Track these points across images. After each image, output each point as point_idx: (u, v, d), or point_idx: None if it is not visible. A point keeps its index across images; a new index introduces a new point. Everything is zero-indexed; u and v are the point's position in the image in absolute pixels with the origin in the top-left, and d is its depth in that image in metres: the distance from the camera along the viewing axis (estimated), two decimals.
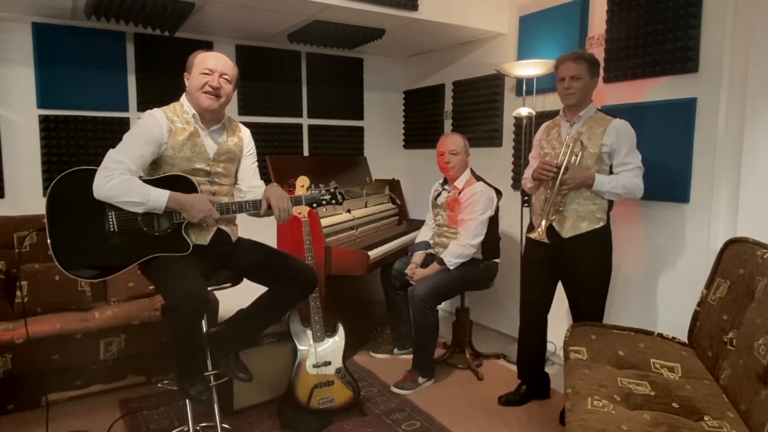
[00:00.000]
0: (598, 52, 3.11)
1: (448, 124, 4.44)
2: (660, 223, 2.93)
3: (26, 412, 2.75)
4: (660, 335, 2.36)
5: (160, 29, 3.53)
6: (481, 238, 3.14)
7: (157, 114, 2.18)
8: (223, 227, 2.29)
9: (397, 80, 4.91)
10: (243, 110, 4.10)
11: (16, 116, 3.34)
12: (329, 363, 2.70)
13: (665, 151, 2.81)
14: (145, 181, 2.11)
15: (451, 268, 3.10)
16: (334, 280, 3.31)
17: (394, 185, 4.52)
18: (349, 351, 2.95)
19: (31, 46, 3.35)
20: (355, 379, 2.79)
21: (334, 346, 2.73)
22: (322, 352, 2.70)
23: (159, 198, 2.05)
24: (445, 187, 3.33)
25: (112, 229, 2.08)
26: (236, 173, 2.40)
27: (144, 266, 2.18)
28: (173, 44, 3.73)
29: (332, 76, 4.52)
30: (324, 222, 3.37)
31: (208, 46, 3.84)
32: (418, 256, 3.33)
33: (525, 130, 3.48)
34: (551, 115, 2.90)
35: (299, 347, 2.68)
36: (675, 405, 1.79)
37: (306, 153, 4.45)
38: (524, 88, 3.50)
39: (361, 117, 4.75)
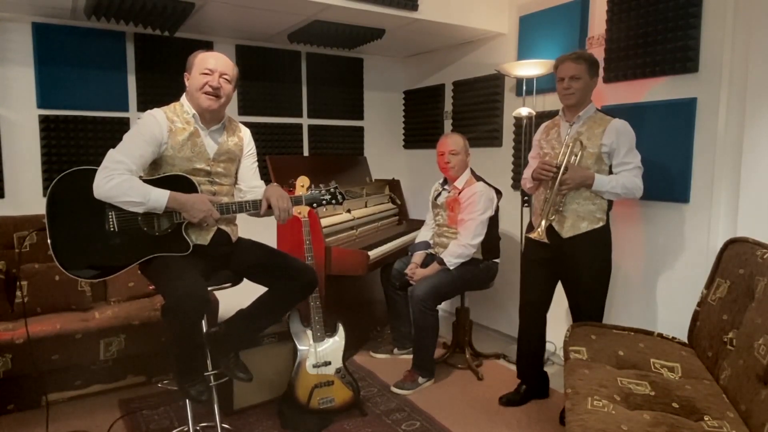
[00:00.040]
0: (598, 52, 3.12)
1: (448, 124, 4.44)
2: (660, 223, 2.93)
3: (26, 412, 2.75)
4: (660, 335, 2.36)
5: (160, 29, 3.53)
6: (481, 238, 3.15)
7: (157, 114, 2.18)
8: (223, 227, 2.29)
9: (397, 80, 4.91)
10: (243, 110, 4.10)
11: (16, 116, 3.34)
12: (329, 363, 2.70)
13: (665, 151, 2.81)
14: (145, 181, 2.11)
15: (451, 268, 3.10)
16: (334, 280, 3.31)
17: (394, 185, 4.52)
18: (349, 351, 2.95)
19: (31, 46, 3.35)
20: (355, 379, 2.79)
21: (334, 346, 2.73)
22: (322, 352, 2.70)
23: (159, 198, 2.05)
24: (445, 187, 3.33)
25: (112, 229, 2.08)
26: (236, 173, 2.40)
27: (144, 266, 2.18)
28: (173, 44, 3.73)
29: (332, 76, 4.52)
30: (324, 222, 3.37)
31: (208, 46, 3.84)
32: (418, 256, 3.33)
33: (525, 130, 3.48)
34: (551, 115, 2.90)
35: (299, 347, 2.68)
36: (675, 405, 1.79)
37: (306, 153, 4.45)
38: (524, 88, 3.50)
39: (361, 117, 4.75)
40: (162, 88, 3.70)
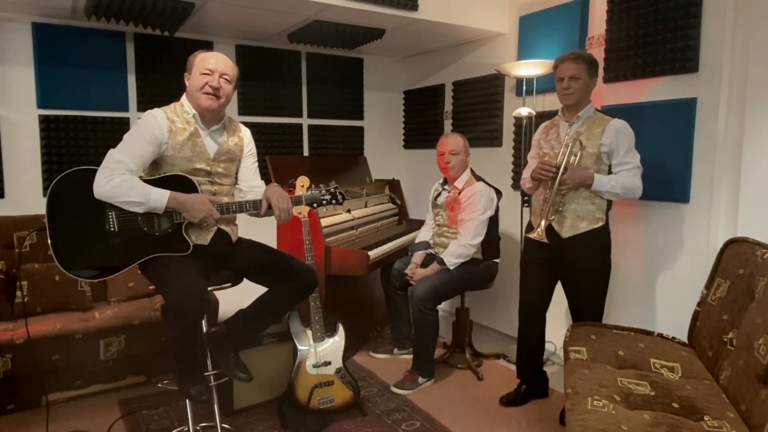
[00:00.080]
0: (598, 52, 3.12)
1: (448, 124, 4.44)
2: (660, 223, 2.93)
3: (26, 412, 2.75)
4: (660, 335, 2.36)
5: (160, 29, 3.53)
6: (481, 238, 3.15)
7: (157, 114, 2.18)
8: (223, 227, 2.29)
9: (397, 80, 4.91)
10: (243, 110, 4.10)
11: (16, 116, 3.34)
12: (329, 363, 2.70)
13: (665, 151, 2.81)
14: (145, 181, 2.11)
15: (451, 268, 3.10)
16: (334, 280, 3.31)
17: (394, 185, 4.52)
18: (349, 351, 2.95)
19: (31, 46, 3.35)
20: (355, 379, 2.79)
21: (334, 346, 2.73)
22: (322, 352, 2.70)
23: (159, 198, 2.05)
24: (445, 187, 3.33)
25: (112, 229, 2.08)
26: (236, 173, 2.40)
27: (144, 266, 2.18)
28: (173, 44, 3.73)
29: (332, 76, 4.52)
30: (324, 222, 3.37)
31: (208, 46, 3.84)
32: (418, 256, 3.33)
33: (525, 130, 3.48)
34: (551, 115, 2.90)
35: (299, 347, 2.68)
36: (675, 405, 1.79)
37: (306, 153, 4.45)
38: (524, 88, 3.50)
39: (361, 117, 4.75)
40: (162, 88, 3.70)
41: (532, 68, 3.30)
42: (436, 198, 3.39)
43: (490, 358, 3.54)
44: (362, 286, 3.87)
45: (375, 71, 4.76)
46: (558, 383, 2.91)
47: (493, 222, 3.23)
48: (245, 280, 2.41)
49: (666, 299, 2.93)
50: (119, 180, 2.02)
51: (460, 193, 3.21)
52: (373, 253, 3.33)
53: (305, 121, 4.44)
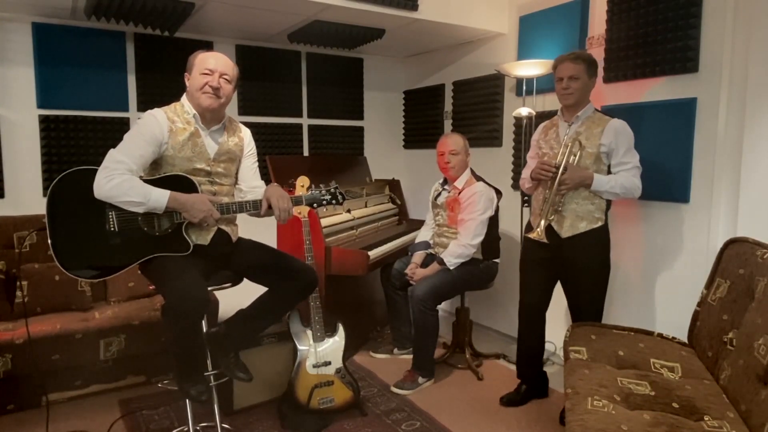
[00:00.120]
0: (598, 52, 3.12)
1: (448, 124, 4.44)
2: (660, 223, 2.93)
3: (26, 412, 2.75)
4: (660, 335, 2.36)
5: (160, 29, 3.53)
6: (481, 238, 3.15)
7: (157, 114, 2.18)
8: (223, 227, 2.29)
9: (397, 80, 4.91)
10: (243, 110, 4.10)
11: (16, 116, 3.34)
12: (329, 363, 2.70)
13: (665, 151, 2.81)
14: (145, 181, 2.11)
15: (451, 268, 3.10)
16: (334, 280, 3.31)
17: (394, 185, 4.52)
18: (349, 351, 2.95)
19: (31, 46, 3.35)
20: (355, 379, 2.79)
21: (334, 346, 2.73)
22: (322, 352, 2.70)
23: (159, 198, 2.05)
24: (445, 187, 3.33)
25: (112, 229, 2.08)
26: (237, 173, 2.40)
27: (144, 266, 2.18)
28: (173, 44, 3.73)
29: (332, 76, 4.52)
30: (324, 222, 3.37)
31: (208, 46, 3.84)
32: (418, 256, 3.33)
33: (525, 130, 3.48)
34: (551, 115, 2.91)
35: (299, 347, 2.68)
36: (675, 405, 1.79)
37: (306, 153, 4.45)
38: (524, 88, 3.50)
39: (361, 117, 4.75)
40: (162, 88, 3.70)
41: (532, 68, 3.31)
42: (436, 198, 3.39)
43: (490, 358, 3.54)
44: (362, 286, 3.87)
45: (375, 71, 4.76)
46: (558, 383, 2.91)
47: (493, 222, 3.23)
48: (245, 280, 2.41)
49: (666, 299, 2.93)
50: (119, 180, 2.02)
51: (460, 193, 3.21)
52: (373, 253, 3.33)
53: (305, 121, 4.44)
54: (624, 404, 1.79)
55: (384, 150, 4.86)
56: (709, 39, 2.68)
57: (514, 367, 3.06)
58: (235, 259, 2.35)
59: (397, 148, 4.97)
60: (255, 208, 2.24)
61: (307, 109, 4.43)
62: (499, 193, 3.28)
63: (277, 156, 4.06)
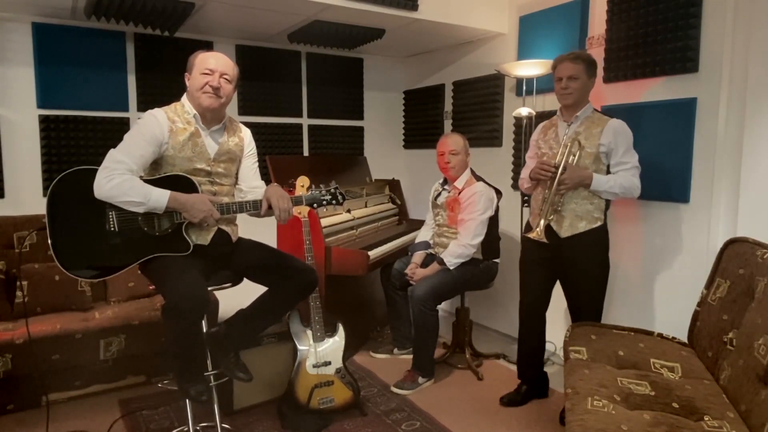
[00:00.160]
0: (598, 52, 3.12)
1: (448, 124, 4.44)
2: (660, 223, 2.93)
3: (26, 412, 2.75)
4: (660, 335, 2.36)
5: (160, 29, 3.53)
6: (481, 238, 3.15)
7: (157, 114, 2.18)
8: (223, 227, 2.29)
9: (397, 80, 4.91)
10: (243, 110, 4.10)
11: (16, 116, 3.34)
12: (329, 363, 2.70)
13: (665, 151, 2.81)
14: (145, 181, 2.11)
15: (451, 268, 3.10)
16: (334, 280, 3.31)
17: (394, 185, 4.52)
18: (349, 351, 2.95)
19: (31, 46, 3.35)
20: (355, 379, 2.79)
21: (334, 346, 2.73)
22: (322, 352, 2.70)
23: (160, 198, 2.05)
24: (445, 187, 3.33)
25: (112, 229, 2.08)
26: (237, 173, 2.40)
27: (144, 266, 2.18)
28: (173, 44, 3.73)
29: (332, 76, 4.52)
30: (324, 222, 3.37)
31: (208, 46, 3.84)
32: (418, 256, 3.33)
33: (525, 130, 3.48)
34: (551, 115, 2.90)
35: (299, 347, 2.68)
36: (675, 405, 1.79)
37: (306, 153, 4.45)
38: (524, 88, 3.50)
39: (361, 117, 4.75)
40: (162, 88, 3.70)
41: (532, 68, 3.31)
42: (436, 198, 3.39)
43: (490, 358, 3.54)
44: (362, 286, 3.87)
45: (375, 71, 4.76)
46: (558, 383, 2.91)
47: (493, 222, 3.23)
48: (245, 280, 2.41)
49: (666, 299, 2.93)
50: (119, 180, 2.02)
51: (460, 193, 3.21)
52: (373, 253, 3.33)
53: (305, 121, 4.44)
54: (624, 404, 1.79)
55: (384, 150, 4.86)
56: (709, 39, 2.68)
57: (514, 367, 3.06)
58: (235, 259, 2.35)
59: (397, 148, 4.97)
60: (255, 208, 2.24)
61: (307, 109, 4.43)
62: (499, 193, 3.28)
63: (277, 156, 4.06)
